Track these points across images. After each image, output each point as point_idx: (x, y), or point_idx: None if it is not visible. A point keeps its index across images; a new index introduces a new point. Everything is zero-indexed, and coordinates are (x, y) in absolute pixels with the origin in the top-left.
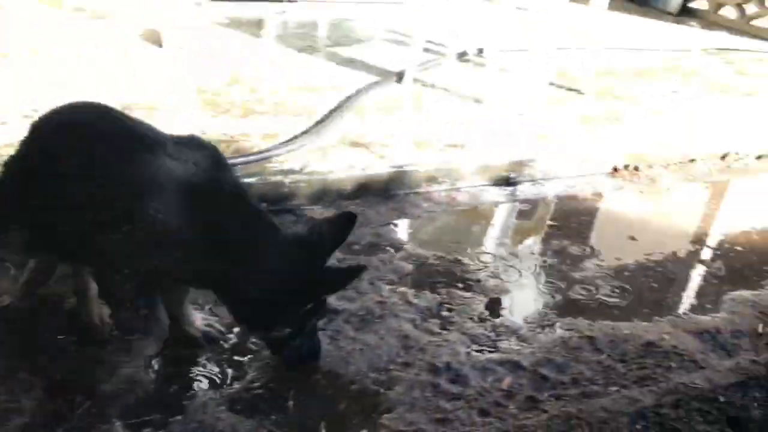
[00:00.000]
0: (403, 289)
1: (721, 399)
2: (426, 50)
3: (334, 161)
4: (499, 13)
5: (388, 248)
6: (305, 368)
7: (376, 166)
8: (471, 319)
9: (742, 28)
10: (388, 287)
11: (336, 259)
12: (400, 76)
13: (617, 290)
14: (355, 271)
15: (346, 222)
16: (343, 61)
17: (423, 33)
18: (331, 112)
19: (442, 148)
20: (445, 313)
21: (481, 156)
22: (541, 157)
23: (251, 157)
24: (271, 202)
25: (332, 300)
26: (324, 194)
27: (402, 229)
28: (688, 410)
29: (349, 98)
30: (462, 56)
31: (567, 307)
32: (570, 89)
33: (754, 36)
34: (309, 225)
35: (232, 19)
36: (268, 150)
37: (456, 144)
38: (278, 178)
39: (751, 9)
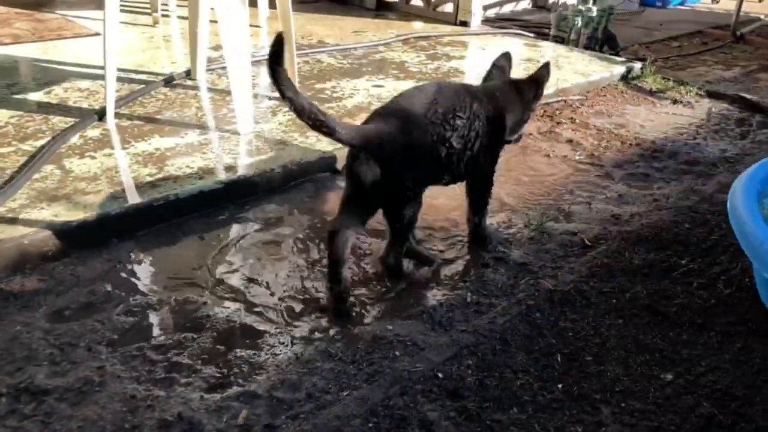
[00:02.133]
0: (125, 347)
1: (440, 375)
2: (130, 81)
3: (31, 221)
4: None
5: (105, 305)
6: None
7: (80, 216)
8: (201, 359)
9: (429, 15)
10: (107, 349)
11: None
12: (100, 114)
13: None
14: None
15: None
16: (33, 107)
17: (114, 64)
18: (24, 165)
19: (156, 183)
20: (174, 359)
21: (200, 183)
22: (265, 173)
23: None
24: None
25: (41, 379)
26: (23, 260)
27: (120, 281)
28: (413, 395)
29: (43, 148)
30: (169, 82)
31: (298, 323)
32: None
33: (440, 21)
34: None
35: None
36: None
37: (172, 175)
38: None
39: None
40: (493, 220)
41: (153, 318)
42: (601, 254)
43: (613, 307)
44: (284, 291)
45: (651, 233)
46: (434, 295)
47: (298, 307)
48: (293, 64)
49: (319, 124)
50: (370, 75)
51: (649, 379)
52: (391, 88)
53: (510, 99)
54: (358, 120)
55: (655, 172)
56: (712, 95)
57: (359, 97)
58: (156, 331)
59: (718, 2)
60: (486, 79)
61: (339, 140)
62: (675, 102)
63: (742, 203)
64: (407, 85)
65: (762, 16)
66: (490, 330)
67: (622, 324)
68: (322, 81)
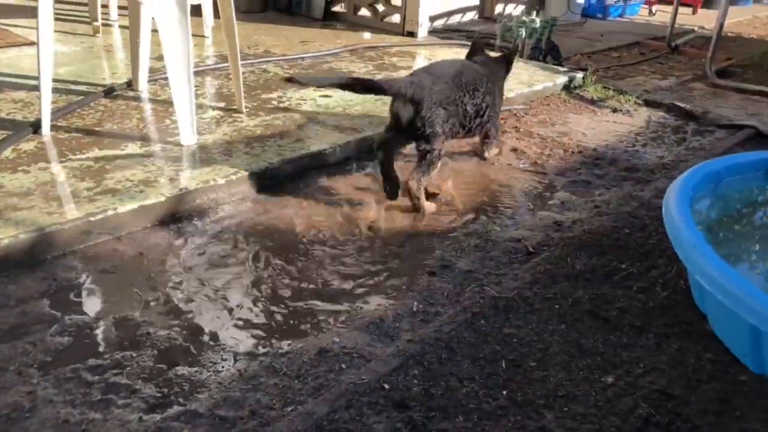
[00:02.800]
0: (59, 369)
1: (386, 386)
2: (69, 92)
3: None
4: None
5: (37, 326)
6: None
7: (11, 233)
8: (141, 378)
9: (377, 25)
10: (39, 372)
11: None
12: (35, 126)
13: (276, 309)
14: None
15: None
16: None
17: (49, 74)
18: None
19: (93, 197)
20: (112, 380)
21: (141, 196)
22: (209, 187)
23: None
24: None
25: None
26: None
27: (54, 300)
28: (359, 407)
29: None
30: (109, 93)
31: (242, 338)
32: (228, 108)
33: (388, 32)
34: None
35: None
36: None
37: (111, 189)
38: None
39: (381, 8)
40: (439, 228)
41: (90, 338)
42: (544, 260)
43: (556, 313)
44: (228, 307)
45: (592, 239)
46: (381, 305)
47: (241, 323)
48: (238, 75)
49: (369, 85)
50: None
51: (590, 383)
52: (338, 98)
53: (501, 75)
54: (308, 131)
55: (596, 179)
56: (649, 104)
57: (306, 107)
58: (93, 352)
59: (654, 15)
60: (469, 55)
61: (383, 91)
62: (615, 110)
63: (676, 208)
64: (355, 95)
65: (695, 29)
66: (436, 339)
67: (565, 329)
68: (268, 91)
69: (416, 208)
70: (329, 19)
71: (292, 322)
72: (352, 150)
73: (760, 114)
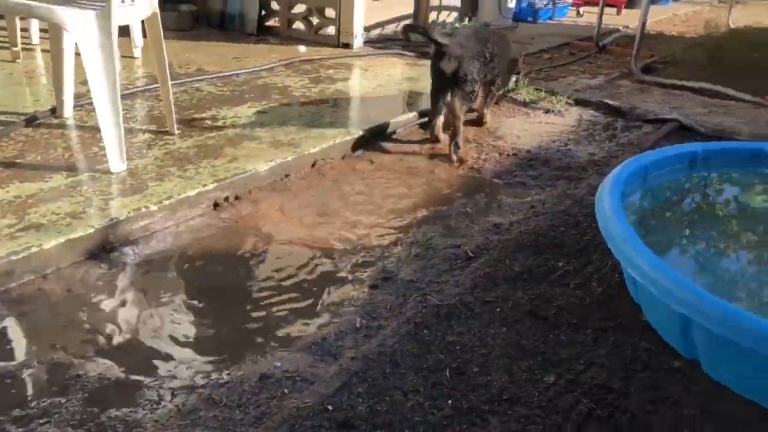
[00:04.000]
0: None
1: (330, 408)
2: None
3: None
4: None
5: None
6: None
7: None
8: (71, 425)
9: (311, 38)
10: None
11: None
12: None
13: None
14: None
15: None
16: None
17: None
18: None
19: (15, 234)
20: (39, 430)
21: (68, 230)
22: (140, 215)
23: None
24: None
25: None
26: None
27: None
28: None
29: None
30: (32, 121)
31: (179, 371)
32: (159, 130)
33: (323, 44)
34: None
35: None
36: None
37: (35, 224)
38: None
39: (315, 21)
40: (379, 241)
41: (14, 386)
42: (484, 264)
43: (497, 316)
44: (163, 339)
45: (529, 239)
46: (323, 324)
47: (178, 355)
48: (168, 95)
49: (427, 35)
50: (253, 101)
51: (533, 383)
52: (274, 113)
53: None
54: (243, 150)
55: (531, 179)
56: (580, 103)
57: (241, 125)
58: (17, 401)
59: (582, 16)
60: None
61: (436, 42)
62: (547, 111)
63: (607, 204)
64: (292, 109)
65: (620, 28)
66: (379, 353)
67: (506, 331)
68: (202, 110)
69: (455, 134)
70: (263, 33)
71: (231, 349)
72: (290, 166)
73: (682, 107)
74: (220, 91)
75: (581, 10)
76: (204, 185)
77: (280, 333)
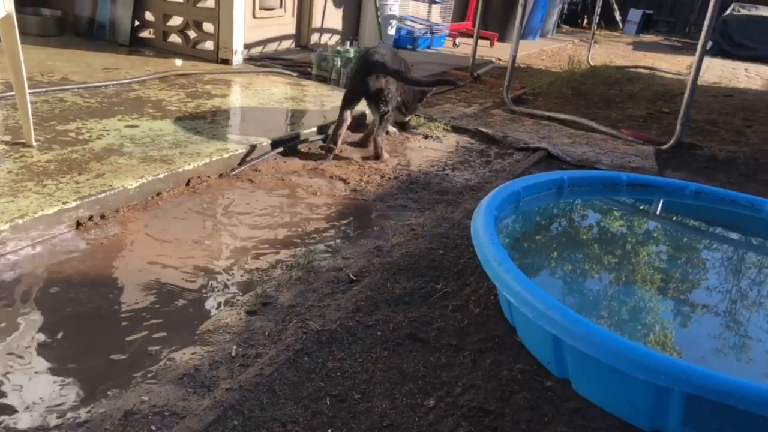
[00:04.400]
0: None
1: None
2: None
3: None
4: None
5: None
6: None
7: None
8: None
9: (189, 52)
10: None
11: None
12: None
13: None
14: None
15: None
16: None
17: None
18: None
19: None
20: None
21: None
22: None
23: None
24: None
25: None
26: None
27: None
28: None
29: None
30: None
31: (30, 411)
32: (14, 142)
33: (201, 59)
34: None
35: None
36: None
37: None
38: None
39: (193, 34)
40: (257, 265)
41: None
42: (366, 287)
43: (379, 340)
44: (13, 375)
45: (410, 261)
46: (196, 353)
47: (30, 391)
48: (25, 104)
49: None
50: (123, 114)
51: (413, 408)
52: (146, 128)
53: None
54: (111, 165)
55: (411, 202)
56: (457, 130)
57: (110, 139)
58: None
59: (458, 46)
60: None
61: (374, 62)
62: (426, 137)
63: (482, 228)
64: (165, 124)
65: (493, 60)
66: (257, 383)
67: (388, 355)
68: (65, 122)
69: (377, 156)
70: (137, 44)
71: (92, 384)
72: (162, 183)
73: (549, 137)
74: (87, 103)
75: (457, 40)
76: (65, 203)
77: (148, 364)
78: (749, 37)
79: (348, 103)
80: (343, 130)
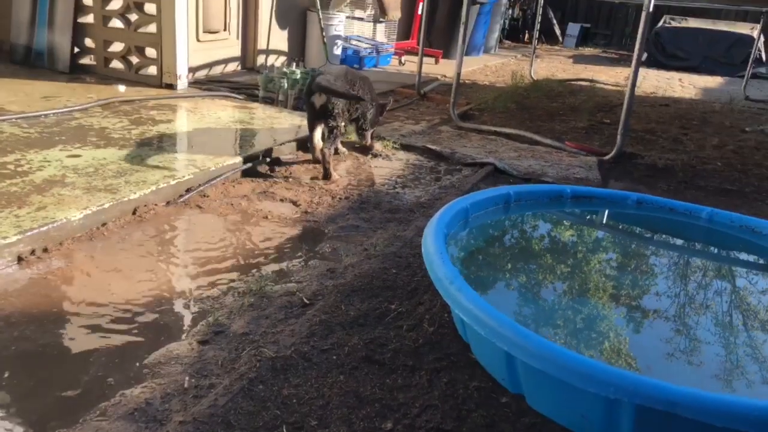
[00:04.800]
0: None
1: None
2: None
3: None
4: None
5: None
6: None
7: None
8: None
9: (132, 78)
10: None
11: None
12: None
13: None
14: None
15: None
16: None
17: None
18: None
19: None
20: None
21: None
22: None
23: None
24: None
25: None
26: None
27: None
28: None
29: None
30: None
31: None
32: None
33: (144, 84)
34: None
35: None
36: None
37: None
38: None
39: (135, 60)
40: (208, 293)
41: None
42: (320, 311)
43: (334, 364)
44: None
45: (363, 282)
46: (148, 387)
47: None
48: None
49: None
50: (65, 144)
51: None
52: (89, 157)
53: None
54: (53, 197)
55: (363, 222)
56: (406, 148)
57: (51, 170)
58: None
59: (404, 65)
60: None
61: (315, 82)
62: (376, 156)
63: (432, 246)
64: (109, 152)
65: (439, 77)
66: (210, 415)
67: (344, 380)
68: (3, 154)
69: (325, 168)
70: (78, 71)
71: (40, 424)
72: (107, 214)
73: (496, 152)
74: (26, 133)
75: (403, 59)
76: (4, 237)
77: (98, 400)
78: (681, 48)
79: (311, 123)
80: (324, 152)
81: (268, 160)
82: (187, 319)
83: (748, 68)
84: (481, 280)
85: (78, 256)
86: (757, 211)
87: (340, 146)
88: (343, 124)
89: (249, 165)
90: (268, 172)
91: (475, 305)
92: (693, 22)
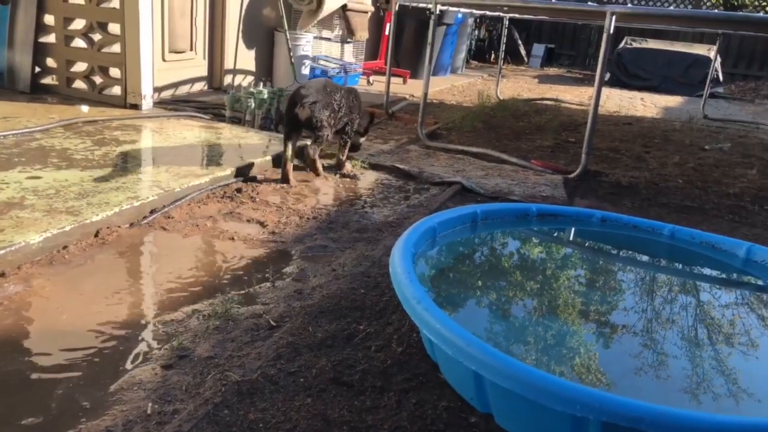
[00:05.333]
0: None
1: None
2: None
3: None
4: None
5: None
6: None
7: None
8: None
9: (95, 98)
10: None
11: None
12: None
13: None
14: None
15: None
16: None
17: None
18: None
19: None
20: None
21: None
22: None
23: None
24: None
25: None
26: None
27: None
28: None
29: None
30: None
31: None
32: None
33: (108, 104)
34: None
35: None
36: None
37: None
38: None
39: (99, 80)
40: (172, 316)
41: None
42: (287, 333)
43: (302, 386)
44: None
45: (331, 303)
46: (109, 414)
47: None
48: None
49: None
50: (25, 165)
51: None
52: (50, 178)
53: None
54: (10, 220)
55: (331, 242)
56: (374, 167)
57: (9, 192)
58: None
59: (372, 84)
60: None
61: (299, 94)
62: (344, 176)
63: (400, 266)
64: (71, 173)
65: (407, 96)
66: None
67: (311, 403)
68: None
69: (315, 171)
70: (39, 92)
71: None
72: (68, 236)
73: (464, 170)
74: None
75: (371, 78)
76: None
77: (57, 429)
78: (642, 68)
79: (287, 135)
80: (290, 165)
81: (234, 180)
82: (151, 344)
83: (706, 88)
84: (451, 299)
85: (37, 281)
86: (717, 228)
87: (320, 169)
88: (328, 133)
89: (215, 186)
90: (235, 193)
91: (441, 325)
92: (653, 44)
